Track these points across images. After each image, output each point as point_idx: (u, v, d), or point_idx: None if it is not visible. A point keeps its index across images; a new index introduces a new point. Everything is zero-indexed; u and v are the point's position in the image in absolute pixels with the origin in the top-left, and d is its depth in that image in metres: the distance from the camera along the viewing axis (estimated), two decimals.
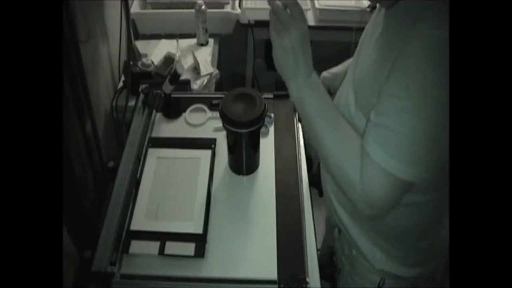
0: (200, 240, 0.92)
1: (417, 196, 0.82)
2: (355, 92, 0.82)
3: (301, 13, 0.73)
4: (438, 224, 0.93)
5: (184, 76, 1.35)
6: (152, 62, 1.53)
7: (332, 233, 1.10)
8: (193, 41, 1.83)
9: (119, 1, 1.49)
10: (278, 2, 0.72)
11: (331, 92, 1.03)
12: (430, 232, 0.93)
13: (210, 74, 1.65)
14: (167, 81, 1.16)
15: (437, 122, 0.65)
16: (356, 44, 0.91)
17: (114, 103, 1.50)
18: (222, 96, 1.02)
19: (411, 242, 0.93)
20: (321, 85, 0.78)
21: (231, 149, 1.06)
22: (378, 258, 0.96)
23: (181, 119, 1.23)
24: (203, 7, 1.71)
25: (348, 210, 0.95)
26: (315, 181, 1.07)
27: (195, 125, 1.21)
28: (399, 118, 0.67)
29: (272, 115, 1.21)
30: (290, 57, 0.74)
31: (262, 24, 1.92)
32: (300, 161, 1.11)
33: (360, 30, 0.91)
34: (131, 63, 1.51)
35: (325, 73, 1.10)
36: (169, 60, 1.58)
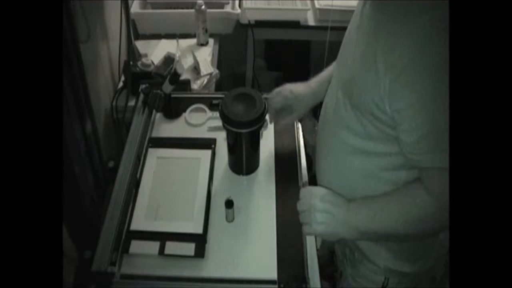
0: (200, 240, 0.92)
1: None
2: (348, 93, 0.82)
3: (309, 200, 0.85)
4: None
5: (184, 76, 1.35)
6: (152, 62, 1.53)
7: None
8: (193, 41, 1.82)
9: (119, 1, 1.49)
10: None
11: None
12: None
13: (210, 74, 1.65)
14: (167, 81, 1.16)
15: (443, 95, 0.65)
16: None
17: (114, 103, 1.50)
18: (222, 96, 1.02)
19: None
20: (361, 204, 0.83)
21: (231, 149, 1.06)
22: (383, 255, 0.95)
23: (181, 119, 1.23)
24: (203, 7, 1.71)
25: None
26: (315, 181, 1.07)
27: (195, 125, 1.21)
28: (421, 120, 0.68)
29: None
30: (329, 231, 0.83)
31: (262, 24, 1.91)
32: (300, 161, 1.11)
33: None
34: (131, 63, 1.51)
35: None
36: (169, 60, 1.58)
